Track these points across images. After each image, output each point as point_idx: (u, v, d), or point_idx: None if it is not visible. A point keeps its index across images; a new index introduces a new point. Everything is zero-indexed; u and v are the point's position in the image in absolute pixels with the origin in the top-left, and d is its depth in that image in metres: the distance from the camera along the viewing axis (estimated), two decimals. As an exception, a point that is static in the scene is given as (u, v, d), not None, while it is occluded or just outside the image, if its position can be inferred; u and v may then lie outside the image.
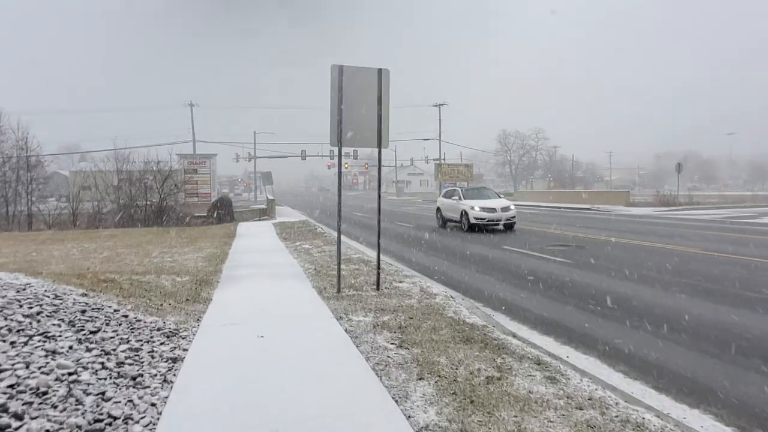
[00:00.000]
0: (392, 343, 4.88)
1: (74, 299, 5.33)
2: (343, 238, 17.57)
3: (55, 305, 4.97)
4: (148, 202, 26.91)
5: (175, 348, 4.60)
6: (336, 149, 7.39)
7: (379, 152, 7.59)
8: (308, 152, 65.36)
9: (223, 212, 28.65)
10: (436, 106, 65.11)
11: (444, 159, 67.30)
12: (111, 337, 4.52)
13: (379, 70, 7.41)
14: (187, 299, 6.68)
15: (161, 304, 6.11)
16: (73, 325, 4.57)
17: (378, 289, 7.50)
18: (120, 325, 4.92)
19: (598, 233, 16.24)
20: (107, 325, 4.82)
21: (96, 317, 4.90)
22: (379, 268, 7.72)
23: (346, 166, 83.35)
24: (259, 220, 27.36)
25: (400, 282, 8.12)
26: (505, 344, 4.92)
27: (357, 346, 4.76)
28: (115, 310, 5.28)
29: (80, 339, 4.29)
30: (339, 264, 7.55)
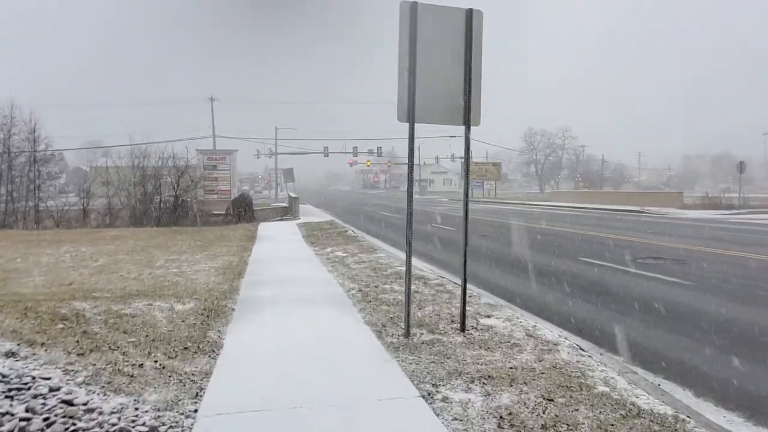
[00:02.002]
0: (559, 480, 2.53)
1: (-15, 367, 3.10)
2: (377, 242, 15.30)
3: (-62, 386, 2.74)
4: (164, 199, 24.99)
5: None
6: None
7: (467, 132, 5.25)
8: (329, 149, 63.21)
9: (243, 211, 26.61)
10: (463, 101, 62.20)
11: (471, 157, 64.52)
12: (15, 471, 2.26)
13: (468, 12, 5.07)
14: (185, 348, 4.43)
15: (141, 364, 3.86)
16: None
17: (463, 330, 5.17)
18: (48, 427, 2.67)
19: (682, 242, 13.66)
20: (20, 433, 2.56)
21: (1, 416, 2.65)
22: (465, 301, 5.36)
23: (368, 164, 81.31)
24: (281, 219, 25.26)
25: (488, 316, 5.78)
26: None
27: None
28: (51, 390, 3.05)
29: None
30: (408, 295, 5.20)
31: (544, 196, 59.29)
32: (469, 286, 7.81)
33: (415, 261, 11.22)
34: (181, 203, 25.28)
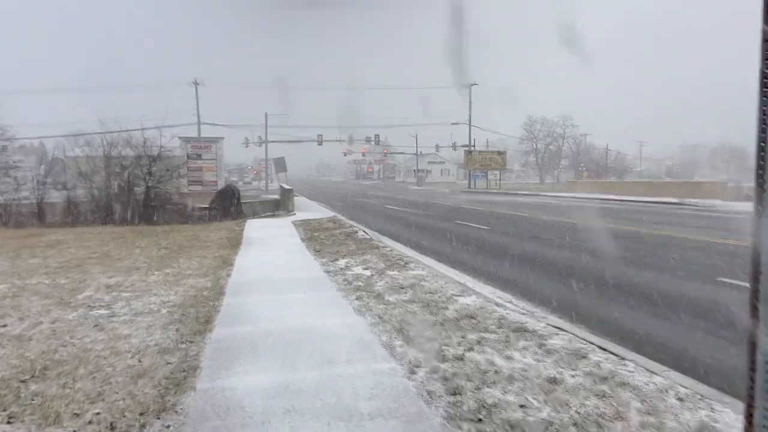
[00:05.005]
0: None
1: None
2: (402, 248, 11.64)
3: None
4: (133, 191, 21.20)
5: None
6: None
7: None
8: (323, 137, 59.16)
9: (229, 204, 22.95)
10: (465, 86, 58.34)
11: (474, 145, 60.94)
12: None
13: None
14: None
15: None
16: None
17: None
18: None
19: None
20: None
21: None
22: None
23: (363, 152, 77.48)
24: (273, 215, 21.62)
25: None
26: None
27: None
28: None
29: None
30: None
31: (560, 186, 56.16)
32: (613, 347, 4.26)
33: (468, 280, 7.72)
34: (155, 196, 21.55)
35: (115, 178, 21.09)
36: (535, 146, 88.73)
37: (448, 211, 22.07)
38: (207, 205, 23.56)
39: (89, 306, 5.76)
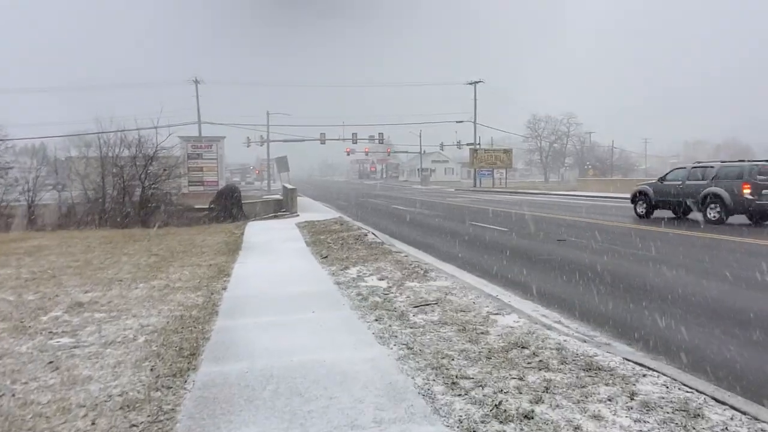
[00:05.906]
0: None
1: None
2: (417, 253, 10.43)
3: None
4: (129, 192, 20.16)
5: None
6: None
7: None
8: (326, 136, 58.02)
9: (229, 205, 21.91)
10: (470, 84, 57.17)
11: (479, 143, 59.70)
12: None
13: None
14: None
15: None
16: None
17: None
18: None
19: None
20: None
21: None
22: None
23: (366, 151, 76.36)
24: (275, 216, 20.56)
25: None
26: None
27: None
28: None
29: None
30: None
31: (568, 184, 55.05)
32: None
33: (494, 288, 6.64)
34: (152, 197, 20.51)
35: (111, 179, 20.07)
36: (539, 144, 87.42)
37: (458, 211, 20.98)
38: (207, 206, 22.54)
39: (51, 332, 4.71)
